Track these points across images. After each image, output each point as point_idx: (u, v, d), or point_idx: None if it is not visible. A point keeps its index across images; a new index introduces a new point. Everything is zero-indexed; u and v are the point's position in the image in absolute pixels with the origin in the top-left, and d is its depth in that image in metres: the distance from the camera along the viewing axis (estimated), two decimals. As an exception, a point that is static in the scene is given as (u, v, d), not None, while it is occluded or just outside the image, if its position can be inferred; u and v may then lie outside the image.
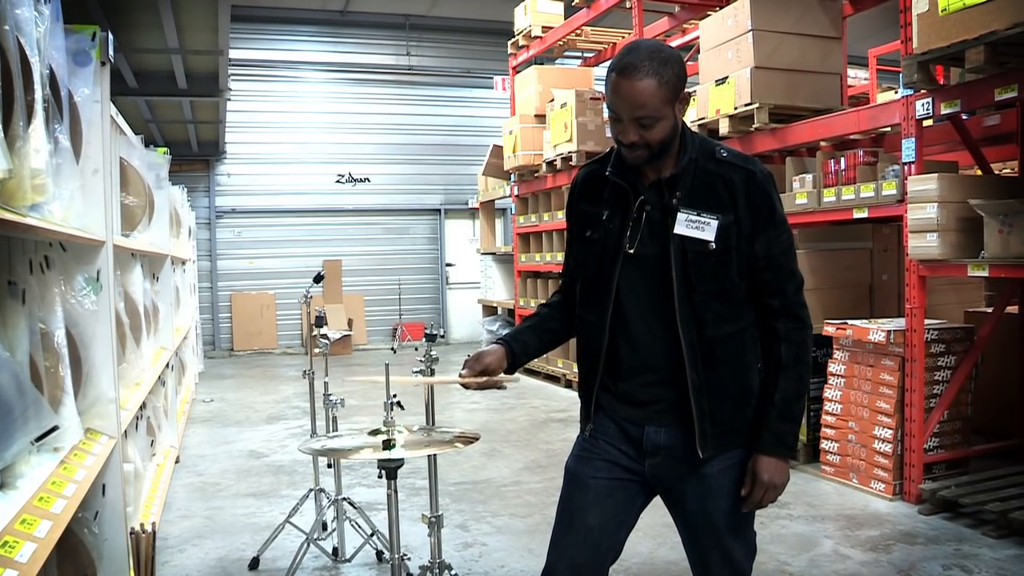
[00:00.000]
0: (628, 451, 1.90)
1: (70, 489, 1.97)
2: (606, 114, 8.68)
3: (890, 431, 4.32)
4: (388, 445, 1.83)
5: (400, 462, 1.94)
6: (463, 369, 1.94)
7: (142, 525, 2.91)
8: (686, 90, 1.81)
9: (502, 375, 1.94)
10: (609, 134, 5.70)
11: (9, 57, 1.70)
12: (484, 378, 1.91)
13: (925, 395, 4.27)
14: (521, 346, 2.01)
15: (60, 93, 2.20)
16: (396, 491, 1.98)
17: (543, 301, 2.38)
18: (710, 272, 1.81)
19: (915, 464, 4.22)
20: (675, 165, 1.83)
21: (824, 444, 4.73)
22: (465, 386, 1.93)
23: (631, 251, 1.85)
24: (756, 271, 1.85)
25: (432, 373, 2.74)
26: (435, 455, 2.66)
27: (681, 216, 1.81)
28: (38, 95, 1.90)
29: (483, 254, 11.38)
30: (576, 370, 2.04)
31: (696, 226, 1.80)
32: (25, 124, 1.80)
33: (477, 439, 1.96)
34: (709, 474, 1.86)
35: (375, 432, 1.94)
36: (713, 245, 1.79)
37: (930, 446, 4.33)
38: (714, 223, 1.80)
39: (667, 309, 1.81)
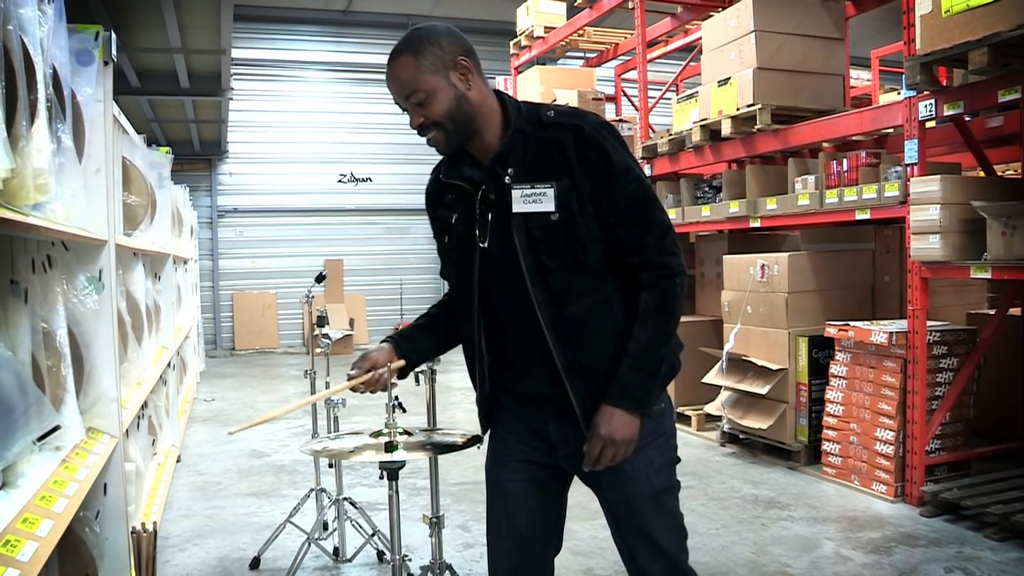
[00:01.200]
0: (539, 446, 1.86)
1: (72, 488, 1.97)
2: (607, 116, 8.68)
3: (892, 433, 4.31)
4: (390, 447, 1.83)
5: (402, 463, 1.94)
6: (351, 371, 1.86)
7: (143, 524, 2.91)
8: (465, 59, 1.71)
9: (392, 367, 1.86)
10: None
11: (12, 57, 1.70)
12: (371, 374, 1.84)
13: (927, 397, 4.26)
14: (410, 344, 1.93)
15: (63, 92, 2.20)
16: (397, 492, 1.98)
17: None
18: (560, 245, 1.70)
19: (917, 466, 4.21)
20: (501, 141, 1.74)
21: (826, 446, 4.72)
22: (354, 389, 1.86)
23: (485, 245, 1.76)
24: (610, 230, 1.72)
25: (433, 373, 2.74)
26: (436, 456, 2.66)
27: (515, 193, 1.71)
28: (41, 95, 1.90)
29: (485, 254, 11.39)
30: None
31: (533, 199, 1.69)
32: (28, 123, 1.80)
33: (480, 441, 1.96)
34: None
35: (377, 434, 1.94)
36: (555, 215, 1.68)
37: (932, 448, 4.32)
38: (551, 192, 1.68)
39: (526, 295, 1.72)
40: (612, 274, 1.76)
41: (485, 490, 1.96)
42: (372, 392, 1.88)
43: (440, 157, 1.87)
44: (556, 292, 1.72)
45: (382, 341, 1.94)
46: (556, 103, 1.86)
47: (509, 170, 1.72)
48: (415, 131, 1.74)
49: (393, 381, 1.87)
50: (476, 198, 1.77)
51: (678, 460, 1.90)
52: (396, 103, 1.74)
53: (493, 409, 1.93)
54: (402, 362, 1.90)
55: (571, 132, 1.71)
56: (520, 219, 1.71)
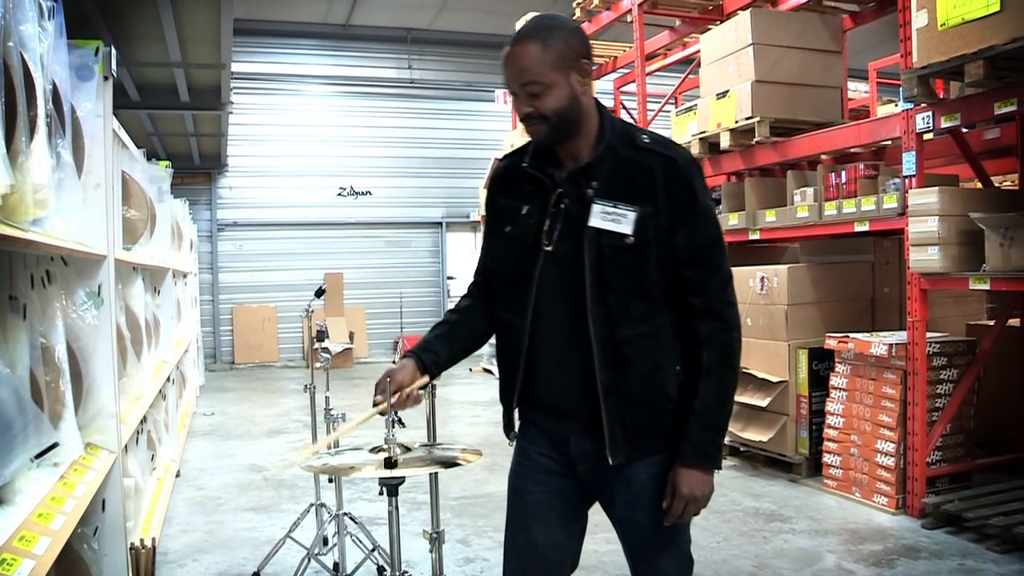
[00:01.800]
0: (559, 459, 1.86)
1: (70, 505, 1.96)
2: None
3: (892, 445, 4.30)
4: (390, 463, 1.82)
5: (401, 479, 1.93)
6: (377, 396, 1.81)
7: (142, 540, 2.90)
8: (587, 62, 1.72)
9: (416, 385, 1.84)
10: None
11: (13, 73, 1.71)
12: (397, 396, 1.81)
13: (927, 408, 4.26)
14: (431, 356, 1.89)
15: (63, 108, 2.21)
16: (397, 507, 1.97)
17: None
18: (626, 268, 1.71)
19: (918, 478, 4.20)
20: (591, 152, 1.75)
21: (826, 458, 4.71)
22: (383, 413, 1.82)
23: (549, 248, 1.75)
24: (678, 267, 1.74)
25: (432, 387, 2.73)
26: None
27: (596, 207, 1.71)
28: (41, 110, 1.90)
29: (484, 267, 11.38)
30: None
31: (612, 218, 1.70)
32: (28, 139, 1.81)
33: (480, 455, 1.95)
34: (637, 481, 1.79)
35: (376, 449, 1.93)
36: (631, 239, 1.69)
37: (933, 460, 4.31)
38: (631, 215, 1.70)
39: (581, 308, 1.72)
40: (668, 308, 1.77)
41: (506, 499, 1.96)
42: (401, 409, 1.85)
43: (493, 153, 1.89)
44: (613, 312, 1.72)
45: (402, 358, 1.91)
46: (645, 129, 1.86)
47: (593, 183, 1.73)
48: (521, 119, 1.74)
49: (420, 398, 1.86)
50: (552, 198, 1.77)
51: None
52: (505, 85, 1.74)
53: (518, 415, 1.92)
54: (426, 379, 1.88)
55: (663, 161, 1.73)
56: (594, 233, 1.71)
